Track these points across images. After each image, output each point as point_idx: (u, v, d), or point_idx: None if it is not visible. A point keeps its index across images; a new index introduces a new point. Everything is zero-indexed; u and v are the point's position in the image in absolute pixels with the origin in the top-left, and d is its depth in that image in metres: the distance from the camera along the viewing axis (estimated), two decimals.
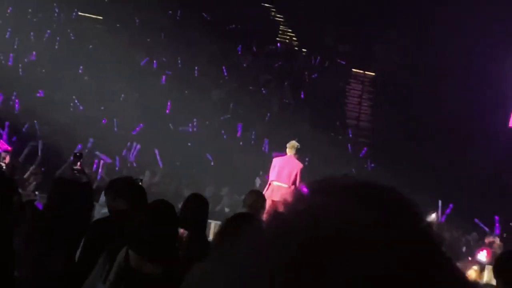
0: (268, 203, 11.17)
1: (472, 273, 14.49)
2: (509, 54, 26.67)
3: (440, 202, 22.44)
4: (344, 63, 30.23)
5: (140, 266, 5.27)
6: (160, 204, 5.73)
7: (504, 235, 22.87)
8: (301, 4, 29.10)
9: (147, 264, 5.27)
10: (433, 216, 21.54)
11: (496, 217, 22.84)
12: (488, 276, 16.22)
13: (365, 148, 28.42)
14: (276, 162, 16.32)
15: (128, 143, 22.41)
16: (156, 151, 22.56)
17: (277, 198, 13.42)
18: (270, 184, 15.26)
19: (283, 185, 15.48)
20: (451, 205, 22.52)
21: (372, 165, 27.44)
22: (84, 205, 7.23)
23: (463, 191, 24.13)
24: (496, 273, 4.68)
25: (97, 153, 21.14)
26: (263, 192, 13.38)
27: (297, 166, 15.87)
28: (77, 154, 14.68)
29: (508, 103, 27.51)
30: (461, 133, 26.19)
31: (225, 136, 25.29)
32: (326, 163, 26.13)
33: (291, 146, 16.10)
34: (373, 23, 28.50)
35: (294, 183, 15.64)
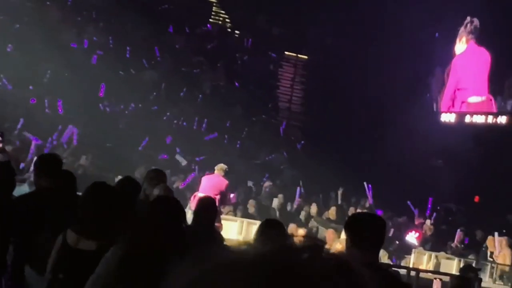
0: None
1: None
2: (438, 43, 27.01)
3: (366, 184, 22.69)
4: (277, 45, 30.24)
5: (77, 243, 5.69)
6: (98, 186, 5.99)
7: (434, 216, 23.26)
8: None
9: (83, 241, 5.68)
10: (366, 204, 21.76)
11: (430, 199, 23.18)
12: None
13: (300, 133, 28.59)
14: (203, 179, 17.29)
15: (60, 126, 22.08)
16: (82, 132, 22.30)
17: None
18: (195, 196, 15.60)
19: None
20: (369, 186, 22.81)
21: (303, 148, 27.62)
22: (2, 183, 7.25)
23: (393, 173, 24.45)
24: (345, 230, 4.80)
25: (25, 133, 20.80)
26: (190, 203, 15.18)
27: (223, 182, 16.56)
28: None
29: (433, 91, 27.90)
30: (390, 117, 26.44)
31: (156, 117, 25.13)
32: (258, 146, 26.23)
33: (219, 168, 17.06)
34: (307, 6, 28.51)
35: (220, 199, 16.21)
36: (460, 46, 26.60)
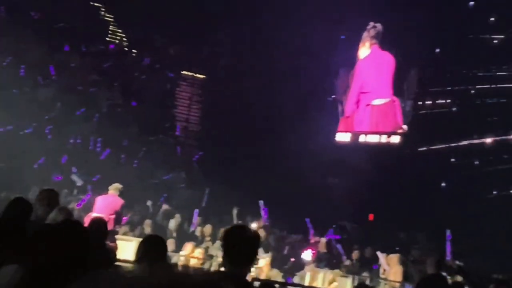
0: None
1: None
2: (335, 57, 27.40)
3: (261, 202, 22.82)
4: (174, 65, 30.22)
5: None
6: None
7: (329, 233, 23.53)
8: (132, 4, 28.80)
9: None
10: (254, 225, 21.90)
11: (330, 219, 23.41)
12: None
13: (199, 152, 28.59)
14: (98, 199, 16.95)
15: None
16: None
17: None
18: (89, 216, 15.38)
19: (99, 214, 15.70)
20: (264, 206, 22.93)
21: (200, 167, 27.63)
22: None
23: (291, 192, 24.67)
24: None
25: None
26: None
27: (118, 202, 16.39)
28: None
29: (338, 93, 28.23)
30: (288, 136, 26.69)
31: (50, 136, 24.77)
32: (155, 165, 26.12)
33: (114, 188, 16.73)
34: (204, 26, 28.57)
35: (115, 219, 16.12)
36: (364, 50, 27.04)
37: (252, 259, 4.72)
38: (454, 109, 26.77)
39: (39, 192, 10.05)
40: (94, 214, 14.82)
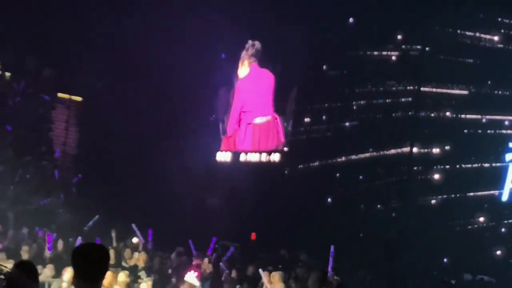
0: None
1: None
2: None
3: (134, 225, 22.45)
4: (48, 88, 29.56)
5: None
6: None
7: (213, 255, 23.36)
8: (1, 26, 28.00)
9: None
10: (135, 240, 21.59)
11: (214, 239, 23.19)
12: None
13: (78, 175, 28.01)
14: None
15: None
16: None
17: None
18: None
19: None
20: (150, 230, 22.59)
21: (78, 190, 27.08)
22: None
23: (174, 213, 24.45)
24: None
25: None
26: None
27: None
28: None
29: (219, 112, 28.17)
30: (169, 156, 26.42)
31: None
32: (32, 190, 25.43)
33: None
34: (76, 47, 28.00)
35: None
36: (243, 69, 27.10)
37: (100, 274, 4.80)
38: (334, 125, 27.11)
39: None
40: None
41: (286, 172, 26.88)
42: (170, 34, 25.97)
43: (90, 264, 4.73)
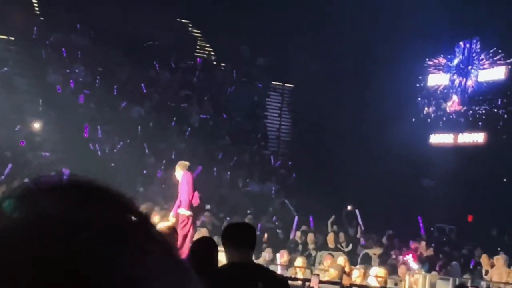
0: None
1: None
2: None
3: (357, 211, 22.56)
4: (262, 76, 30.27)
5: None
6: None
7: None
8: (217, 18, 28.90)
9: None
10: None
11: (419, 218, 23.06)
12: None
13: (289, 161, 28.51)
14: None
15: (53, 172, 21.79)
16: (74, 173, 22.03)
17: None
18: None
19: None
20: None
21: (294, 175, 27.47)
22: None
23: (376, 197, 24.25)
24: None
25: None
26: None
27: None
28: None
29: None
30: (376, 140, 26.31)
31: (147, 151, 24.94)
32: (248, 175, 26.16)
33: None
34: (289, 34, 28.43)
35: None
36: None
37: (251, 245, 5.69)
38: None
39: None
40: None
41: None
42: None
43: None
